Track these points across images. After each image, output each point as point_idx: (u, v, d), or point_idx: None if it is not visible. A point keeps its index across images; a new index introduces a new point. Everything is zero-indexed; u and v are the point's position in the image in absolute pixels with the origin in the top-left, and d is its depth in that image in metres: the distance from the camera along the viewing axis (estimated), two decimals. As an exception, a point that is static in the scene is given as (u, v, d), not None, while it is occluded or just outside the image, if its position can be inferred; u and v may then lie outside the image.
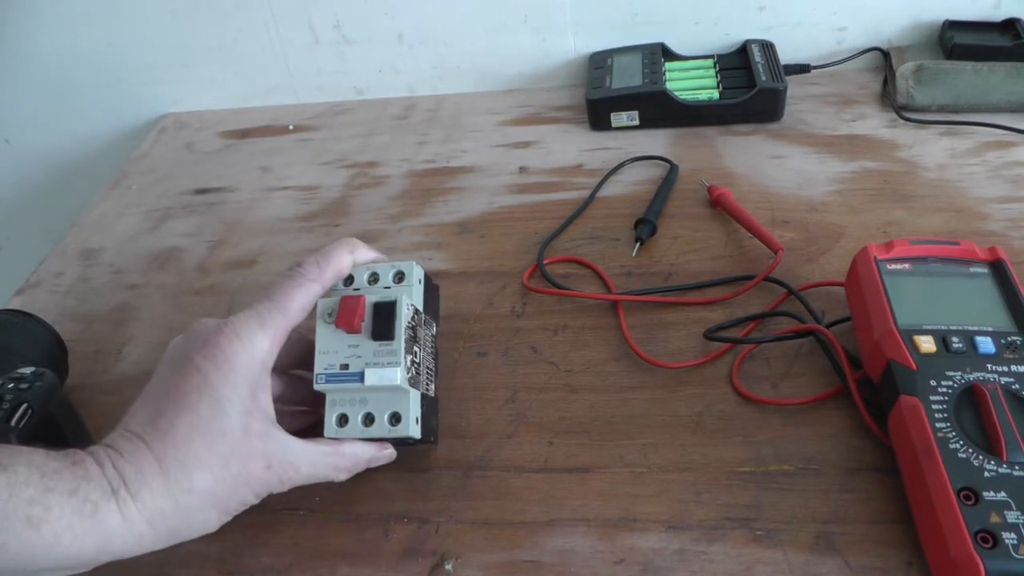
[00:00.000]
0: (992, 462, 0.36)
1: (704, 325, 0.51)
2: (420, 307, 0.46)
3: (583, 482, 0.44)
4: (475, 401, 0.49)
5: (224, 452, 0.37)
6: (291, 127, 0.82)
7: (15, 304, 0.62)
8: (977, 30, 0.70)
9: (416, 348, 0.44)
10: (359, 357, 0.42)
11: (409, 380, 0.42)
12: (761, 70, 0.70)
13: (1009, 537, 0.34)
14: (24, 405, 0.42)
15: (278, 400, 0.42)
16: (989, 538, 0.34)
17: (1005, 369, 0.40)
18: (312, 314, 0.43)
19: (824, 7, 0.73)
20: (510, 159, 0.71)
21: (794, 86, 0.71)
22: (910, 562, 0.38)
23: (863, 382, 0.45)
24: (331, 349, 0.42)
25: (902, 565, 0.38)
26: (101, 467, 0.35)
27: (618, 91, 0.71)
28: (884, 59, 0.74)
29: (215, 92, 0.87)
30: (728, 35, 0.76)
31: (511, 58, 0.80)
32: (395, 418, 0.42)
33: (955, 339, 0.41)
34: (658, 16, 0.76)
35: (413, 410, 0.42)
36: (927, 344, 0.41)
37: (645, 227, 0.59)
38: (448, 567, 0.41)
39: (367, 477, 0.44)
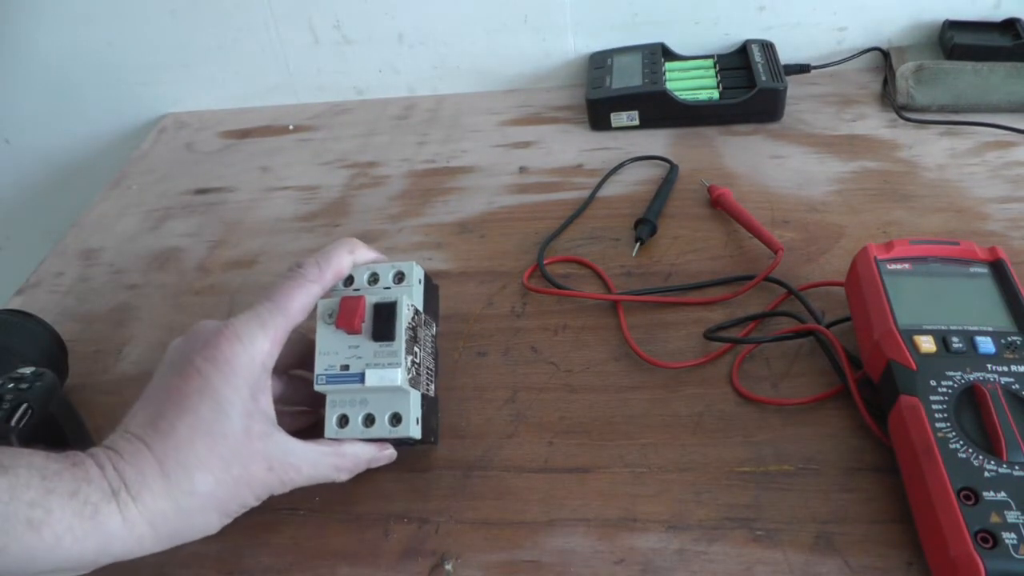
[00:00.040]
0: (992, 462, 0.36)
1: (704, 325, 0.51)
2: (420, 307, 0.46)
3: (583, 482, 0.44)
4: (475, 401, 0.49)
5: (225, 454, 0.37)
6: (291, 127, 0.82)
7: (15, 304, 0.62)
8: (977, 30, 0.70)
9: (416, 348, 0.44)
10: (360, 358, 0.42)
11: (410, 381, 0.42)
12: (761, 70, 0.70)
13: (1009, 537, 0.34)
14: (24, 405, 0.42)
15: (278, 400, 0.42)
16: (989, 538, 0.34)
17: (1005, 369, 0.40)
18: (312, 314, 0.43)
19: (824, 7, 0.73)
20: (510, 159, 0.71)
21: (794, 86, 0.71)
22: (910, 562, 0.38)
23: (863, 382, 0.45)
24: (331, 350, 0.42)
25: (902, 565, 0.38)
26: (102, 469, 0.35)
27: (618, 91, 0.71)
28: (884, 59, 0.74)
29: (215, 92, 0.87)
30: (728, 35, 0.76)
31: (511, 58, 0.80)
32: (396, 419, 0.42)
33: (955, 339, 0.41)
34: (658, 16, 0.76)
35: (414, 411, 0.42)
36: (927, 344, 0.41)
37: (645, 227, 0.59)
38: (448, 567, 0.41)
39: (367, 477, 0.44)
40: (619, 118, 0.72)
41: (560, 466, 0.45)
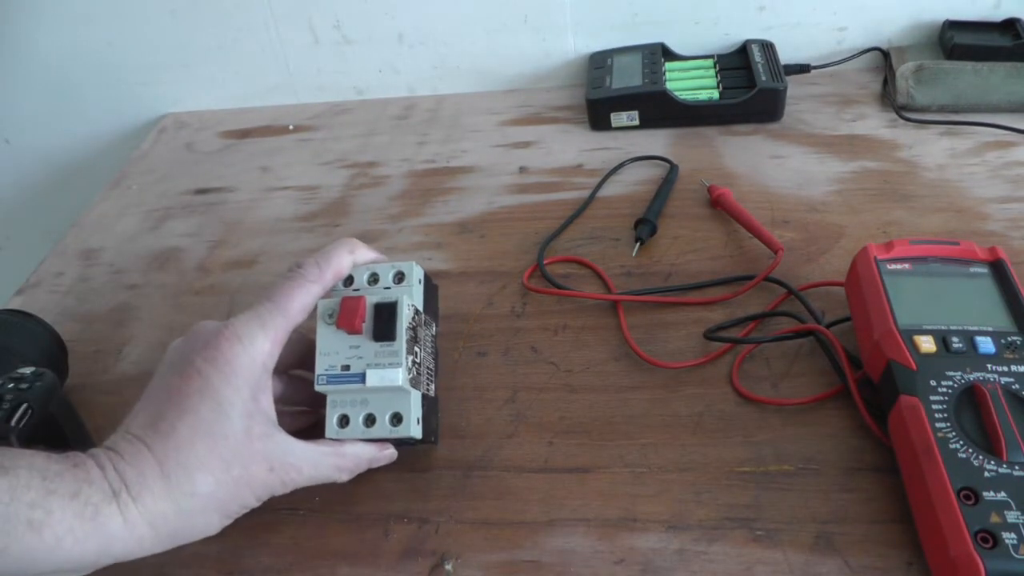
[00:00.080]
0: (992, 462, 0.36)
1: (704, 325, 0.51)
2: (420, 307, 0.46)
3: (583, 482, 0.44)
4: (475, 401, 0.49)
5: (226, 455, 0.37)
6: (291, 127, 0.82)
7: (15, 304, 0.62)
8: (977, 30, 0.70)
9: (417, 348, 0.44)
10: (360, 358, 0.42)
11: (410, 381, 0.42)
12: (761, 70, 0.70)
13: (1009, 537, 0.34)
14: (24, 405, 0.42)
15: (278, 400, 0.42)
16: (989, 538, 0.34)
17: (1005, 369, 0.40)
18: (312, 314, 0.43)
19: (824, 7, 0.73)
20: (510, 159, 0.71)
21: (794, 86, 0.71)
22: (910, 562, 0.38)
23: (863, 382, 0.45)
24: (332, 350, 0.42)
25: (902, 565, 0.38)
26: (102, 470, 0.35)
27: (618, 91, 0.71)
28: (884, 59, 0.74)
29: (215, 92, 0.87)
30: (728, 35, 0.76)
31: (511, 58, 0.80)
32: (396, 419, 0.42)
33: (955, 339, 0.41)
34: (658, 16, 0.76)
35: (414, 410, 0.42)
36: (927, 344, 0.41)
37: (645, 227, 0.59)
38: (448, 567, 0.41)
39: (367, 477, 0.44)
40: (619, 118, 0.72)
41: (560, 466, 0.45)
